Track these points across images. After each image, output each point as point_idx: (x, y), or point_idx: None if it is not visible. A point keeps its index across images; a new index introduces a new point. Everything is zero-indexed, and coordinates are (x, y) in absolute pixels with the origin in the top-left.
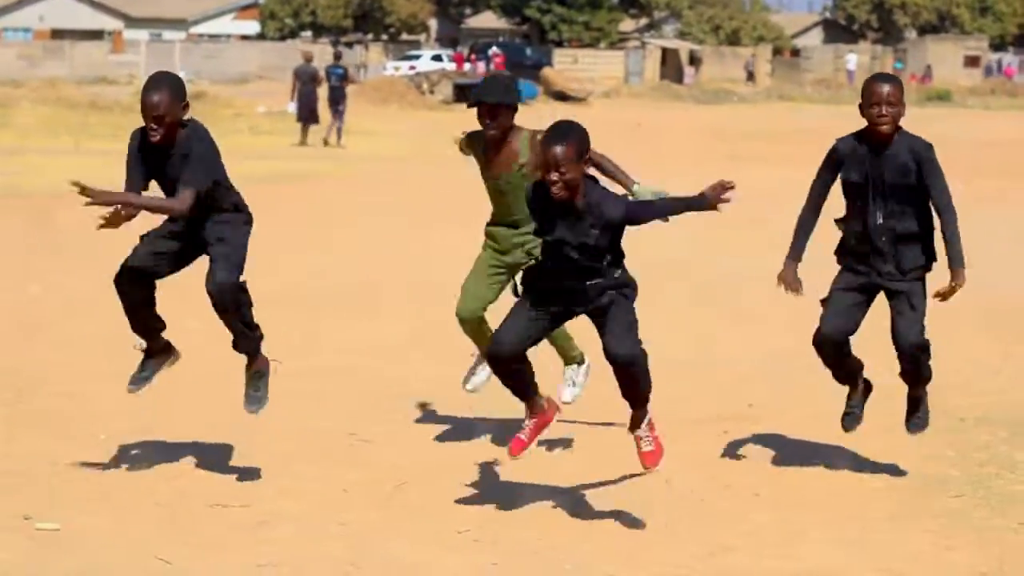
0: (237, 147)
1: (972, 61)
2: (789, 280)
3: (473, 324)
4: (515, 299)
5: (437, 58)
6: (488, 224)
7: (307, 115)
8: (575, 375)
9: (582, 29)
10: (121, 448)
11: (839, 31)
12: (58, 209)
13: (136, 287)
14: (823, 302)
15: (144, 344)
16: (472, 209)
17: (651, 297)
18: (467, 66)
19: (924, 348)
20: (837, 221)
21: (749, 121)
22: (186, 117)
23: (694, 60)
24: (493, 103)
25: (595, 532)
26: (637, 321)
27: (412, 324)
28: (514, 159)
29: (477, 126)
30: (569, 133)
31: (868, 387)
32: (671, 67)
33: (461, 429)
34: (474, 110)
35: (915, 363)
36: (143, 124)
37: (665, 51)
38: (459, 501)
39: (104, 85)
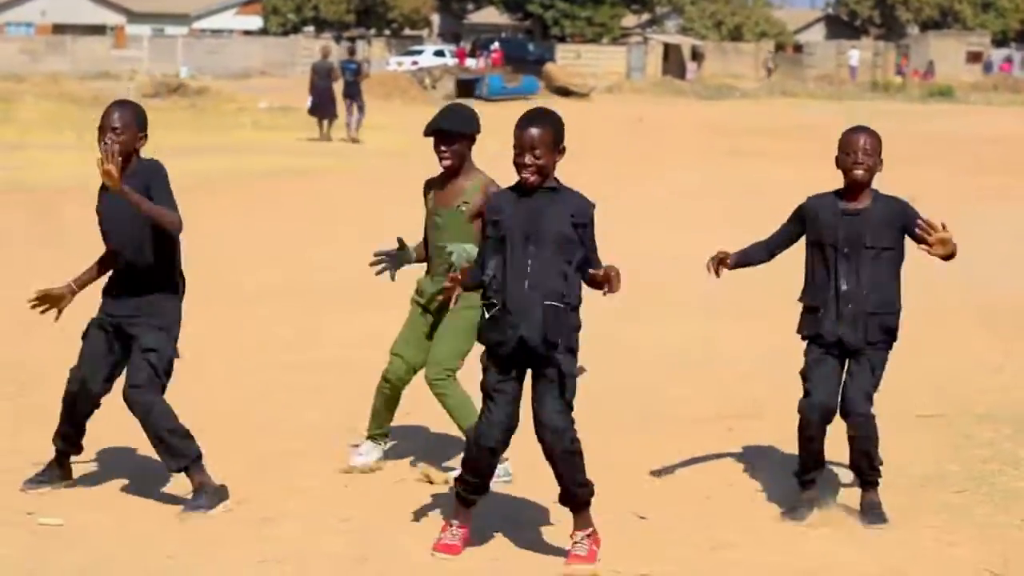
0: (240, 142)
1: (974, 57)
2: (716, 256)
3: (397, 389)
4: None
5: (439, 53)
6: (420, 277)
7: (323, 110)
8: (371, 449)
9: (584, 24)
10: (123, 444)
11: (841, 27)
12: (61, 204)
13: (87, 403)
14: (802, 374)
15: (60, 449)
16: None
17: (653, 296)
18: (470, 61)
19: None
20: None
21: (751, 117)
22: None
23: (696, 56)
24: (452, 131)
25: (598, 528)
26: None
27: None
28: (458, 197)
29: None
30: (546, 118)
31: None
32: (673, 63)
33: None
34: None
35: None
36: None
37: (667, 47)
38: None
39: (106, 80)
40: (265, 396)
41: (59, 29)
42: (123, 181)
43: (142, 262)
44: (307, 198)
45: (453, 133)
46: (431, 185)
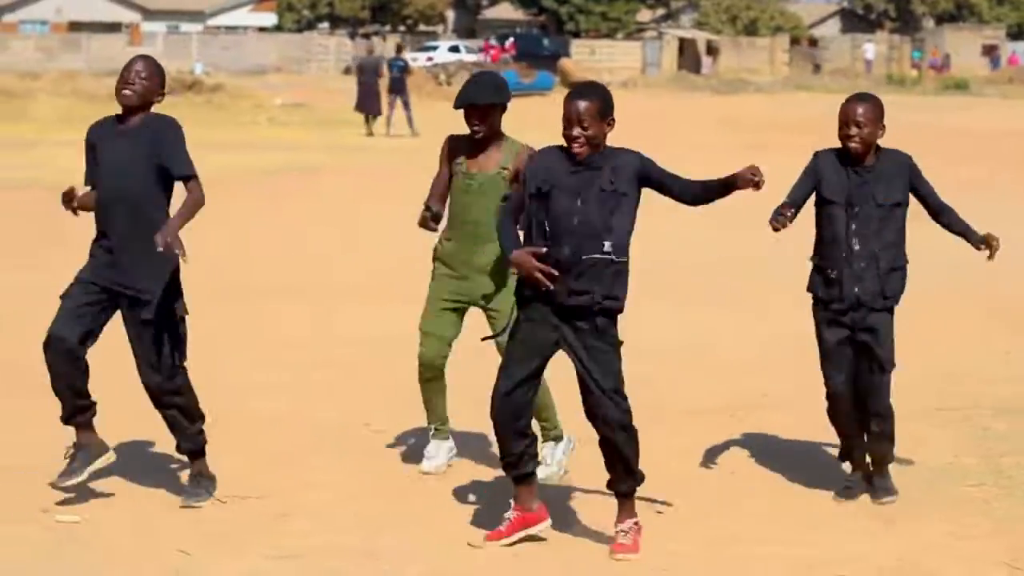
0: (256, 139)
1: (990, 50)
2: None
3: (437, 370)
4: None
5: (454, 49)
6: (441, 239)
7: (370, 106)
8: (552, 453)
9: (599, 20)
10: (139, 441)
11: (856, 21)
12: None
13: (66, 360)
14: (823, 364)
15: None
16: None
17: (662, 286)
18: (482, 56)
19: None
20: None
21: (767, 111)
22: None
23: (711, 50)
24: (483, 104)
25: (608, 522)
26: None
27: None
28: (496, 163)
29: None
30: (594, 90)
31: (870, 476)
32: (688, 57)
33: (475, 418)
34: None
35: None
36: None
37: (683, 41)
38: (475, 490)
39: None
40: (281, 392)
41: (74, 27)
42: (133, 131)
43: (142, 217)
44: (322, 194)
45: (484, 106)
46: (457, 147)
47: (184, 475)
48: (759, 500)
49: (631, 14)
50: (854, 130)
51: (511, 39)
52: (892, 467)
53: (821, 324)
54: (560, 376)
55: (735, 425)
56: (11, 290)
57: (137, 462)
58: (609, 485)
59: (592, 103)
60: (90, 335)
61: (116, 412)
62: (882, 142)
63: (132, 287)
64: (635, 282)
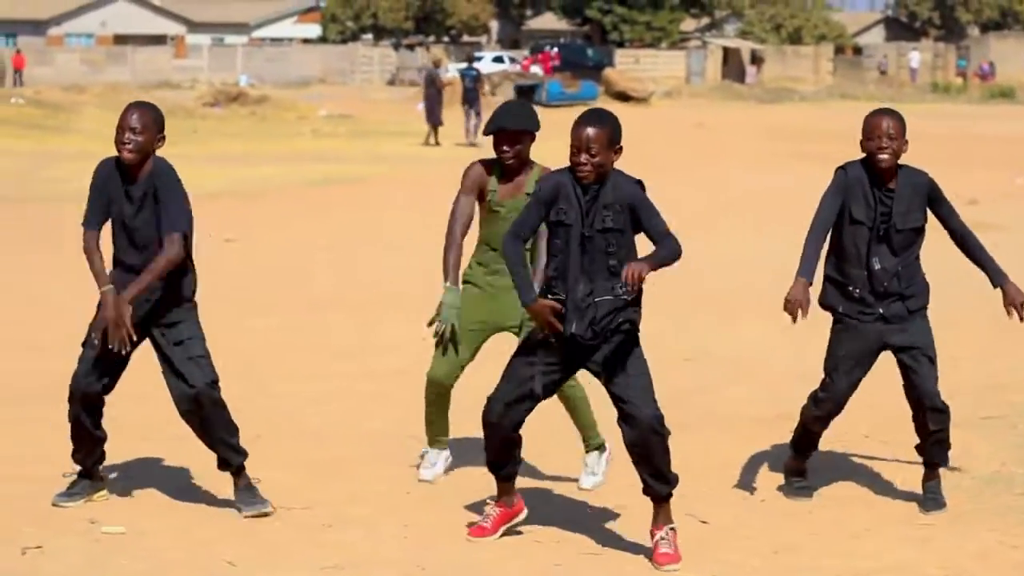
0: (300, 150)
1: None
2: (797, 298)
3: (442, 390)
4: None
5: (498, 60)
6: (472, 262)
7: (436, 117)
8: (597, 463)
9: (643, 29)
10: (185, 452)
11: (901, 29)
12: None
13: (90, 411)
14: (830, 372)
15: (76, 471)
16: None
17: (711, 299)
18: (534, 68)
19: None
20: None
21: (811, 120)
22: (158, 152)
23: (756, 59)
24: (514, 130)
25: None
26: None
27: None
28: (522, 189)
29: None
30: (602, 118)
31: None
32: (733, 66)
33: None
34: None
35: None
36: (111, 155)
37: (727, 50)
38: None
39: (167, 90)
40: (326, 403)
41: (120, 40)
42: (141, 181)
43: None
44: (366, 206)
45: (515, 132)
46: (486, 172)
47: (228, 486)
48: (805, 510)
49: (675, 24)
50: (885, 142)
51: (555, 49)
52: (942, 476)
53: (840, 334)
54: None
55: (784, 435)
56: (54, 300)
57: (182, 473)
58: (645, 491)
59: (601, 130)
60: (114, 382)
61: (157, 423)
62: (935, 149)
63: (158, 322)
64: (685, 293)
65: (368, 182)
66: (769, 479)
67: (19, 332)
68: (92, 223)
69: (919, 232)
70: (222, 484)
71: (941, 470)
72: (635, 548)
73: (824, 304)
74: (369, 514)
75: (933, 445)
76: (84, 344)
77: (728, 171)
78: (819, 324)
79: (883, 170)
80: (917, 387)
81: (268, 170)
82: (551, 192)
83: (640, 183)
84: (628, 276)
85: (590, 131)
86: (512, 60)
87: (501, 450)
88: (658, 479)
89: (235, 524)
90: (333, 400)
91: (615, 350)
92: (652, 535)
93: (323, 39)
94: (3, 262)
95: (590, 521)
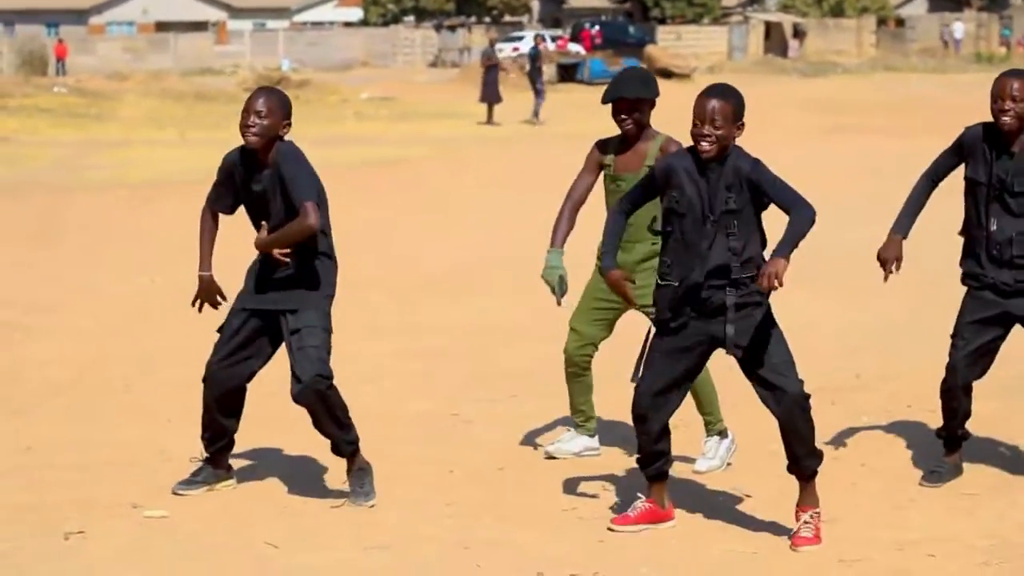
0: (343, 133)
1: None
2: (889, 255)
3: (578, 367)
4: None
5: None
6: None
7: (492, 95)
8: (716, 448)
9: (685, 5)
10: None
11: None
12: (163, 199)
13: (226, 396)
14: (953, 337)
15: (205, 456)
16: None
17: None
18: (572, 46)
19: None
20: (961, 233)
21: (855, 92)
22: (286, 137)
23: (798, 33)
24: (633, 98)
25: (703, 505)
26: (790, 353)
27: (512, 304)
28: (642, 160)
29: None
30: (728, 92)
31: (959, 468)
32: (775, 41)
33: (563, 408)
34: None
35: None
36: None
37: (769, 25)
38: (563, 480)
39: (209, 76)
40: (370, 383)
41: (161, 27)
42: (267, 168)
43: (301, 248)
44: (410, 187)
45: (634, 99)
46: (606, 148)
47: (270, 469)
48: (850, 481)
49: None
50: (1008, 104)
51: (596, 27)
52: (985, 447)
53: (965, 299)
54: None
55: (828, 407)
56: (100, 288)
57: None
58: (790, 469)
59: (726, 103)
60: (250, 370)
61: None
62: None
63: (289, 306)
64: None
65: (411, 163)
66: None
67: (64, 319)
68: (211, 200)
69: None
70: (263, 468)
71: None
72: (680, 521)
73: (961, 264)
74: (412, 494)
75: None
76: (219, 331)
77: (771, 145)
78: (862, 296)
79: (1005, 133)
80: None
81: (312, 153)
82: (663, 176)
83: (758, 161)
84: (765, 281)
85: (714, 103)
86: (554, 39)
87: (651, 442)
88: (807, 456)
89: (278, 506)
90: (375, 380)
91: (750, 328)
92: (797, 517)
93: (364, 22)
94: (55, 253)
95: (634, 496)
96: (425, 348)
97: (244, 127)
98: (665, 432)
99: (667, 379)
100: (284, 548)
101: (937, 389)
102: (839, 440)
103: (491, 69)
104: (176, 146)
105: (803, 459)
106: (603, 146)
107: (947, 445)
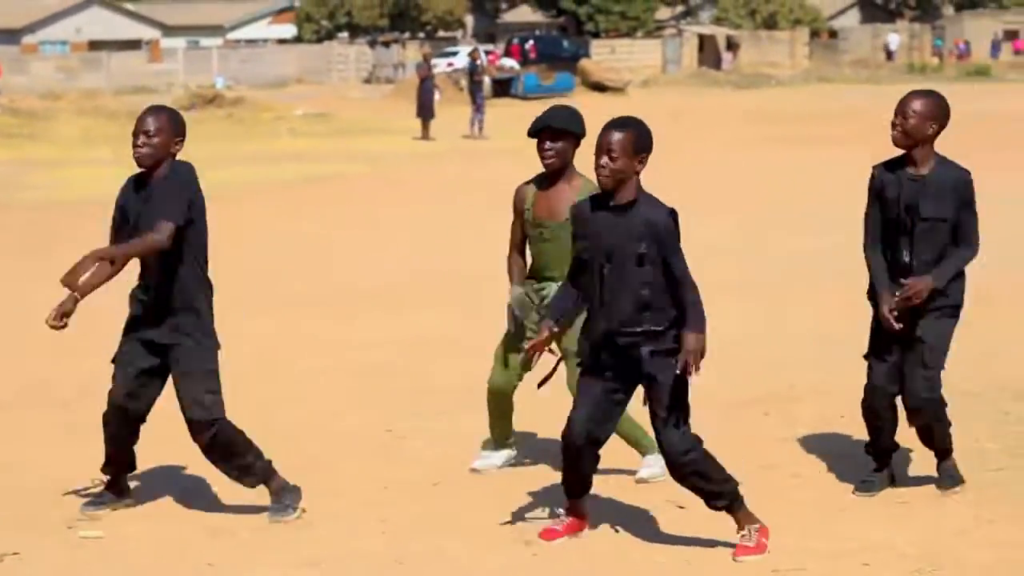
0: (277, 150)
1: (1011, 35)
2: (888, 306)
3: (500, 398)
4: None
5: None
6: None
7: (427, 111)
8: (656, 457)
9: (618, 19)
10: (163, 455)
11: (876, 11)
12: (97, 220)
13: (124, 425)
14: (867, 357)
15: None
16: (501, 210)
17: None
18: (507, 61)
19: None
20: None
21: (788, 104)
22: (177, 156)
23: (731, 45)
24: (559, 129)
25: (636, 518)
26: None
27: (446, 319)
28: (565, 207)
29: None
30: (629, 124)
31: (892, 477)
32: (709, 53)
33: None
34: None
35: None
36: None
37: (702, 37)
38: (498, 495)
39: (143, 95)
40: (303, 399)
41: (94, 46)
42: (153, 189)
43: (171, 272)
44: (345, 202)
45: (559, 130)
46: (525, 193)
47: (205, 489)
48: (784, 491)
49: (650, 12)
50: (899, 120)
51: (531, 41)
52: (917, 454)
53: (874, 319)
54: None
55: (761, 418)
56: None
57: (159, 478)
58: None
59: (626, 135)
60: (153, 400)
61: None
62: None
63: (168, 341)
64: None
65: (346, 179)
66: (744, 461)
67: (1, 337)
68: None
69: (944, 224)
70: (201, 489)
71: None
72: (611, 535)
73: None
74: (347, 510)
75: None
76: (113, 361)
77: (704, 157)
78: (796, 307)
79: (906, 154)
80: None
81: (245, 171)
82: (575, 223)
83: (673, 212)
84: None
85: (614, 136)
86: (486, 54)
87: (579, 471)
88: (715, 498)
89: (213, 526)
90: (309, 396)
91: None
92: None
93: (298, 39)
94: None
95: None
96: (359, 364)
97: (134, 147)
98: (596, 459)
99: (597, 415)
100: (219, 567)
101: None
102: (773, 451)
103: (425, 83)
104: (111, 165)
105: (712, 501)
106: (522, 192)
107: (876, 459)
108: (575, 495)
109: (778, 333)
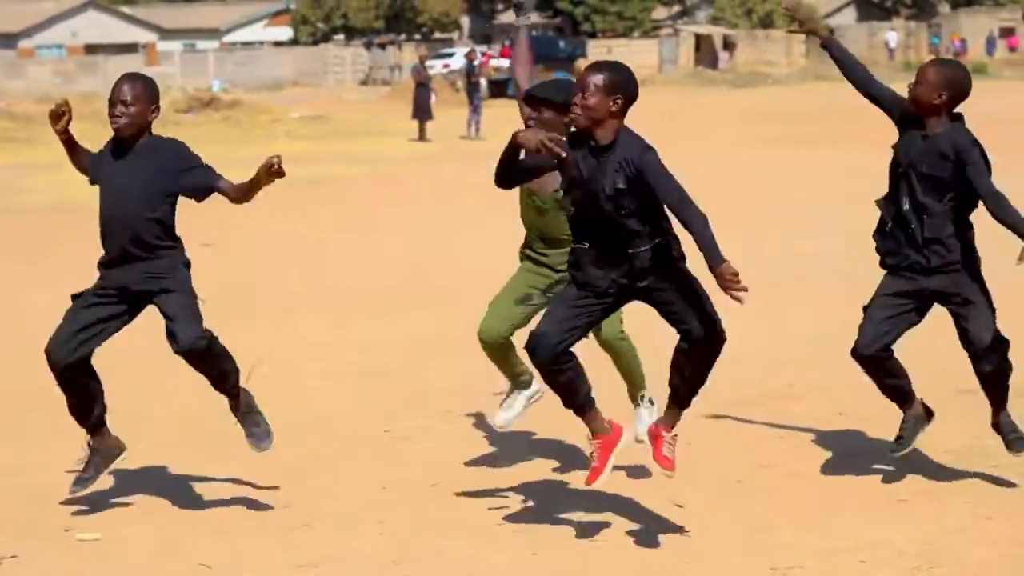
0: (274, 152)
1: (1007, 32)
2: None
3: (495, 348)
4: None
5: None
6: (524, 248)
7: (424, 113)
8: (648, 414)
9: (615, 19)
10: (160, 456)
11: (872, 9)
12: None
13: (77, 377)
14: (865, 309)
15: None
16: (502, 208)
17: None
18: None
19: (995, 347)
20: (877, 201)
21: (785, 103)
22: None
23: (728, 45)
24: (539, 98)
25: (634, 517)
26: (706, 294)
27: (444, 321)
28: (556, 180)
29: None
30: (608, 66)
31: (928, 413)
32: (705, 53)
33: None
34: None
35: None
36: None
37: (699, 37)
38: (497, 494)
39: None
40: (301, 402)
41: (91, 49)
42: (138, 158)
43: (143, 245)
44: (342, 205)
45: (541, 100)
46: None
47: (203, 490)
48: (780, 491)
49: (646, 12)
50: (916, 79)
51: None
52: (916, 451)
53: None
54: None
55: (763, 416)
56: (35, 310)
57: (157, 479)
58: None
59: (601, 75)
60: (96, 343)
61: (140, 428)
62: None
63: (145, 285)
64: None
65: (344, 182)
66: (743, 460)
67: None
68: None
69: (942, 183)
70: (197, 490)
71: (920, 444)
72: (610, 533)
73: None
74: (344, 511)
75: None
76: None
77: (700, 156)
78: (794, 306)
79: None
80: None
81: (243, 174)
82: (562, 174)
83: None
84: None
85: (589, 76)
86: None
87: (561, 381)
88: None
89: (211, 527)
90: (307, 399)
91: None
92: (657, 437)
93: (295, 41)
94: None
95: (566, 509)
96: (358, 365)
97: (112, 117)
98: (567, 362)
99: (575, 323)
100: (217, 568)
101: (868, 397)
102: (770, 449)
103: (422, 86)
104: None
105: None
106: None
107: (898, 403)
108: (581, 412)
109: (776, 332)
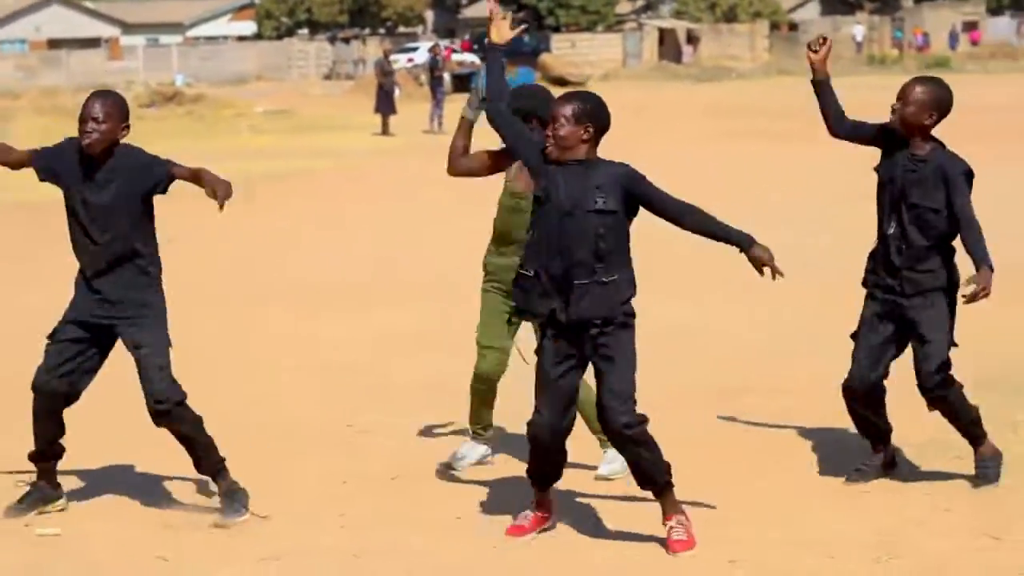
0: (237, 147)
1: (969, 27)
2: None
3: (491, 383)
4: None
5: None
6: (489, 253)
7: (387, 107)
8: (616, 455)
9: (579, 13)
10: (119, 453)
11: (836, 3)
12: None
13: (52, 413)
14: (853, 336)
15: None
16: (465, 204)
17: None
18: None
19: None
20: (876, 168)
21: (749, 97)
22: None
23: (692, 39)
24: (515, 108)
25: (591, 512)
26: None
27: (407, 316)
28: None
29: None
30: (577, 96)
31: (891, 464)
32: (669, 47)
33: (457, 419)
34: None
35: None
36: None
37: (663, 31)
38: (457, 488)
39: None
40: (265, 398)
41: (54, 44)
42: (108, 174)
43: (126, 253)
44: (306, 199)
45: (520, 111)
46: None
47: (164, 486)
48: (742, 484)
49: (610, 6)
50: (897, 104)
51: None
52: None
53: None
54: None
55: (722, 409)
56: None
57: (117, 475)
58: (641, 487)
59: (569, 106)
60: (84, 382)
61: (99, 425)
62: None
63: (125, 316)
64: (642, 266)
65: (309, 176)
66: (703, 453)
67: None
68: (35, 152)
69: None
70: (158, 487)
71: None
72: (568, 528)
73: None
74: (305, 505)
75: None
76: (50, 337)
77: (663, 151)
78: (757, 302)
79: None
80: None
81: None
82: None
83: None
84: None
85: (559, 107)
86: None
87: (550, 465)
88: (656, 476)
89: (171, 522)
90: (272, 393)
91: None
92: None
93: (258, 36)
94: None
95: (526, 504)
96: (322, 360)
97: (83, 133)
98: (563, 453)
99: (567, 392)
100: (175, 561)
101: (832, 393)
102: (732, 442)
103: (385, 81)
104: None
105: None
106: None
107: (874, 441)
108: (541, 486)
109: (738, 327)
